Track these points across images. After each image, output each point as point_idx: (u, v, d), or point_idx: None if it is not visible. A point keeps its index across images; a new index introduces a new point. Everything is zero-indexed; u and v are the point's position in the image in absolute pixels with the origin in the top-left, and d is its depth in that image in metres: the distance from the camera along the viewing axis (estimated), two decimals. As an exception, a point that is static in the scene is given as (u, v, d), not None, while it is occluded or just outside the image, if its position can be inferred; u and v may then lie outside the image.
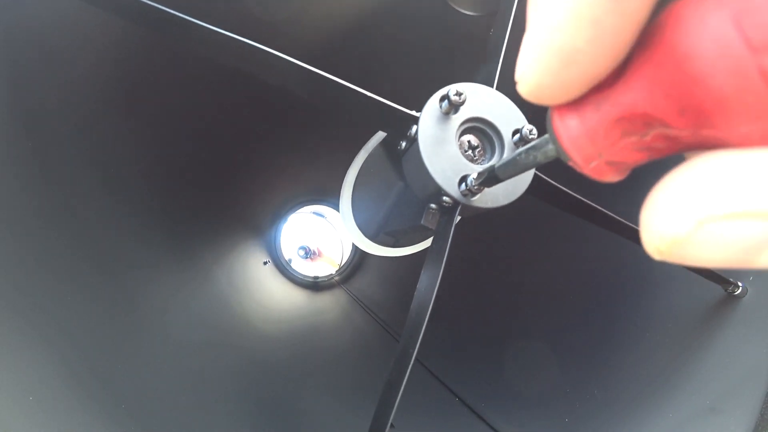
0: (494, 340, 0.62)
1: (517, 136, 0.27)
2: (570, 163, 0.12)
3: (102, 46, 0.46)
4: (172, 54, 0.53)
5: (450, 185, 0.25)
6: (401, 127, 0.26)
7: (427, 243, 0.43)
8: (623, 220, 0.32)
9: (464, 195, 0.25)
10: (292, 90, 0.26)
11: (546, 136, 0.14)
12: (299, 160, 0.91)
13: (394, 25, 0.58)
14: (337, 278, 1.18)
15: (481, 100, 0.27)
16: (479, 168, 0.25)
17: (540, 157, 0.15)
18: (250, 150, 0.79)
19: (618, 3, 0.08)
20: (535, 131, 0.26)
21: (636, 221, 0.09)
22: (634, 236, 0.32)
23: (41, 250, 0.39)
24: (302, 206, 1.14)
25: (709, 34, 0.08)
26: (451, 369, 0.63)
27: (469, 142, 0.27)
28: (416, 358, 0.25)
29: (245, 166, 0.82)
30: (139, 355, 0.46)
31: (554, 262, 0.60)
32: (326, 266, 1.25)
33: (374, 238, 0.40)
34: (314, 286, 1.16)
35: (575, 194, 0.30)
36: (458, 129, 0.26)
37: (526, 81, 0.10)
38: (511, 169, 0.19)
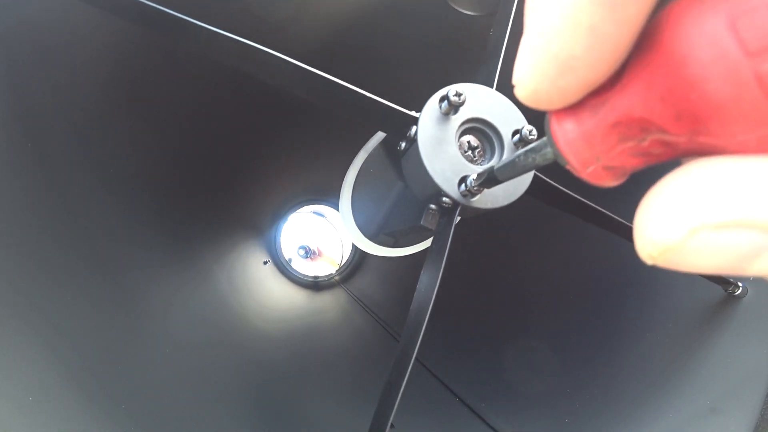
0: (494, 340, 0.62)
1: (517, 136, 0.27)
2: (568, 167, 0.12)
3: (102, 46, 0.46)
4: (171, 54, 0.53)
5: (450, 186, 0.25)
6: (401, 128, 0.26)
7: (426, 243, 0.43)
8: (623, 221, 0.32)
9: (464, 196, 0.25)
10: (291, 90, 0.26)
11: (545, 138, 0.14)
12: (299, 159, 0.91)
13: (393, 25, 0.58)
14: (337, 278, 1.18)
15: (480, 100, 0.27)
16: (479, 169, 0.25)
17: (539, 159, 0.15)
18: (251, 150, 0.79)
19: (615, 11, 0.08)
20: (534, 132, 0.26)
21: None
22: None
23: (40, 251, 0.39)
24: (302, 206, 1.14)
25: (705, 39, 0.08)
26: (451, 369, 0.63)
27: (468, 142, 0.27)
28: (416, 358, 0.25)
29: (245, 165, 0.82)
30: (138, 355, 0.46)
31: (554, 263, 0.60)
32: (326, 266, 1.25)
33: (374, 238, 0.40)
34: (314, 285, 1.16)
35: (575, 195, 0.30)
36: (458, 129, 0.26)
37: (523, 86, 0.10)
38: (510, 170, 0.19)
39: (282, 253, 1.14)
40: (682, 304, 0.42)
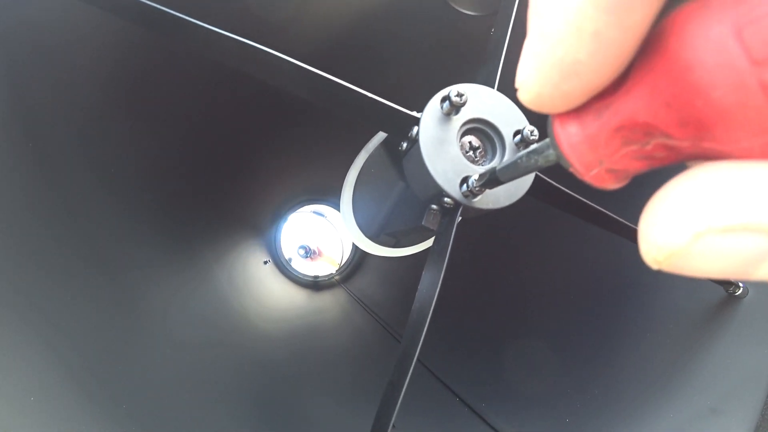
0: (495, 340, 0.62)
1: (519, 137, 0.27)
2: (570, 170, 0.12)
3: (102, 46, 0.46)
4: (171, 54, 0.53)
5: (451, 186, 0.25)
6: (402, 128, 0.26)
7: (427, 243, 0.42)
8: (625, 222, 0.32)
9: (466, 196, 0.25)
10: (292, 91, 0.26)
11: (547, 140, 0.14)
12: (299, 159, 0.91)
13: (393, 25, 0.58)
14: (337, 278, 1.18)
15: (482, 101, 0.27)
16: (480, 169, 0.25)
17: (541, 161, 0.15)
18: (251, 149, 0.79)
19: (619, 16, 0.08)
20: (536, 132, 0.26)
21: (637, 222, 0.09)
22: (636, 238, 0.32)
23: (41, 251, 0.39)
24: (302, 205, 1.14)
25: (711, 46, 0.08)
26: (452, 369, 0.63)
27: (470, 143, 0.27)
28: (417, 358, 0.25)
29: (246, 165, 0.81)
30: (139, 355, 0.46)
31: (555, 263, 0.60)
32: (326, 265, 1.25)
33: (375, 238, 0.40)
34: (314, 285, 1.16)
35: (577, 195, 0.30)
36: (459, 130, 0.26)
37: (527, 90, 0.10)
38: (512, 171, 0.19)
39: (282, 252, 1.14)
40: (683, 305, 0.42)
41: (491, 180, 0.21)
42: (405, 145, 0.27)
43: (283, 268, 1.13)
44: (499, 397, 0.54)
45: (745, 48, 0.07)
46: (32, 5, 0.38)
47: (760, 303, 0.37)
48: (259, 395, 0.58)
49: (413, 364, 0.25)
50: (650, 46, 0.09)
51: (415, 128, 0.26)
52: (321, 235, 1.26)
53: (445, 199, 0.25)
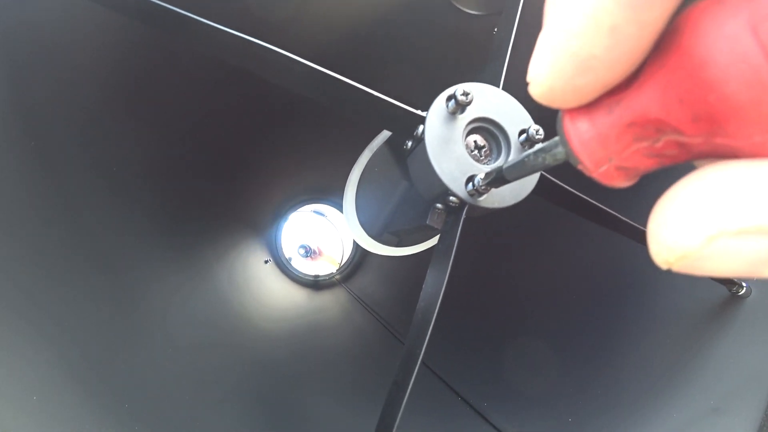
0: (497, 339, 0.62)
1: (524, 136, 0.27)
2: (579, 167, 0.12)
3: (102, 45, 0.45)
4: (173, 53, 0.53)
5: (457, 185, 0.25)
6: (408, 127, 0.26)
7: (430, 243, 0.42)
8: (631, 222, 0.32)
9: (471, 195, 0.25)
10: (296, 89, 0.26)
11: (555, 138, 0.14)
12: (300, 158, 0.91)
13: (396, 25, 0.58)
14: (337, 277, 1.18)
15: (487, 100, 0.26)
16: (486, 168, 0.25)
17: (549, 159, 0.15)
18: (251, 148, 0.79)
19: (638, 12, 0.08)
20: (541, 131, 0.26)
21: (642, 222, 0.09)
22: (642, 238, 0.32)
23: (42, 250, 0.39)
24: (303, 205, 1.13)
25: (726, 41, 0.08)
26: (454, 368, 0.63)
27: (475, 142, 0.27)
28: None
29: (246, 164, 0.81)
30: (140, 354, 0.46)
31: (557, 262, 0.60)
32: (327, 265, 1.25)
33: (378, 237, 0.40)
34: (315, 284, 1.16)
35: (582, 195, 0.30)
36: (465, 129, 0.26)
37: (539, 84, 0.10)
38: (519, 170, 0.19)
39: (282, 252, 1.14)
40: (686, 304, 0.42)
41: (497, 179, 0.21)
42: (410, 143, 0.27)
43: (284, 268, 1.13)
44: (501, 396, 0.54)
45: (761, 43, 0.07)
46: (33, 5, 0.38)
47: (763, 303, 0.37)
48: (260, 394, 0.58)
49: (419, 364, 0.24)
50: (663, 43, 0.09)
51: (421, 127, 0.25)
52: (321, 235, 1.26)
53: (451, 198, 0.25)
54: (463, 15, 0.55)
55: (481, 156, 0.27)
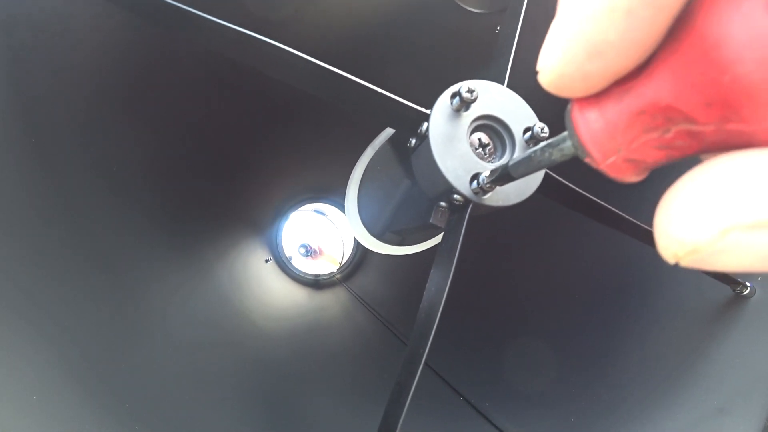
0: (499, 339, 0.62)
1: (529, 134, 0.26)
2: (587, 160, 0.11)
3: (102, 45, 0.45)
4: (172, 53, 0.53)
5: (461, 183, 0.24)
6: (412, 124, 0.26)
7: (432, 241, 0.42)
8: (635, 221, 0.32)
9: (476, 193, 0.24)
10: (298, 85, 0.26)
11: (563, 134, 0.14)
12: (300, 157, 0.91)
13: (398, 23, 0.58)
14: (338, 276, 1.18)
15: (491, 97, 0.26)
16: (490, 166, 0.25)
17: (556, 155, 0.15)
18: (252, 148, 0.78)
19: None
20: (546, 129, 0.26)
21: (646, 221, 0.09)
22: (646, 237, 0.32)
23: (42, 250, 0.38)
24: (303, 204, 1.13)
25: (740, 21, 0.07)
26: (456, 368, 0.63)
27: (479, 139, 0.26)
28: (423, 358, 0.25)
29: (247, 163, 0.81)
30: (141, 354, 0.46)
31: (560, 262, 0.59)
32: (327, 264, 1.25)
33: (380, 236, 0.40)
34: (315, 284, 1.15)
35: (585, 193, 0.30)
36: (469, 126, 0.26)
37: (549, 70, 0.10)
38: (526, 167, 0.19)
39: (283, 251, 1.14)
40: (690, 304, 0.42)
41: (503, 176, 0.21)
42: (414, 141, 0.27)
43: (284, 267, 1.13)
44: (503, 396, 0.54)
45: None
46: (33, 4, 0.37)
47: (767, 303, 0.37)
48: (260, 394, 0.58)
49: (422, 364, 0.24)
50: (676, 30, 0.09)
51: (425, 124, 0.25)
52: (322, 234, 1.26)
53: (455, 196, 0.25)
54: (465, 13, 0.54)
55: (485, 154, 0.26)
